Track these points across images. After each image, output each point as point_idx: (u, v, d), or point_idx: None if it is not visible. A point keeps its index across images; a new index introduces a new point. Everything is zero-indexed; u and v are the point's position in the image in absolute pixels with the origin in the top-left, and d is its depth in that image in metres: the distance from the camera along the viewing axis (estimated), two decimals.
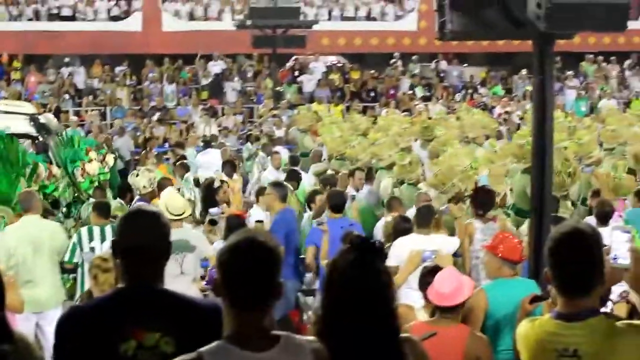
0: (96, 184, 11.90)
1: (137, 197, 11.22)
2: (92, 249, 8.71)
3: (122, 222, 3.65)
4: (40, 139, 13.48)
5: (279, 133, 22.38)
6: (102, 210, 9.30)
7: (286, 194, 10.19)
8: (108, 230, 8.88)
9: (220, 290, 3.11)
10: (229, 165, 15.14)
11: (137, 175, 11.29)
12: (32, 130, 13.83)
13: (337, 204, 9.75)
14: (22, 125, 13.95)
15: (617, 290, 6.14)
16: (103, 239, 8.82)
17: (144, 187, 11.01)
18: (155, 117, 25.19)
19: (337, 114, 22.45)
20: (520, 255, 6.66)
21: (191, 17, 31.85)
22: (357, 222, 10.30)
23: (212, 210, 10.01)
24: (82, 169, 11.76)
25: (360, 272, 3.22)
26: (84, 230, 9.12)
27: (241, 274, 3.07)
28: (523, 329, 3.66)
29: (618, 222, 9.28)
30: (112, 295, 3.58)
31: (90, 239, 8.91)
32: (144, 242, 3.51)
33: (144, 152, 18.80)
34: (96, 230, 8.98)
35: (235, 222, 9.15)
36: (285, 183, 11.02)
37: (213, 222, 9.76)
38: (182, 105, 27.42)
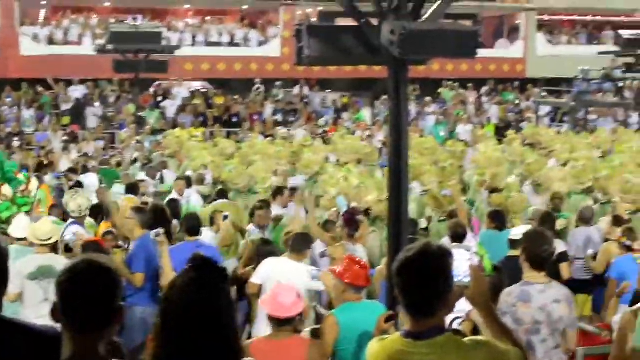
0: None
1: (70, 220, 10.99)
2: None
3: None
4: None
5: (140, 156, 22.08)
6: None
7: (147, 220, 10.07)
8: None
9: (57, 313, 3.06)
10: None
11: (71, 198, 11.09)
12: None
13: (192, 227, 9.68)
14: None
15: (464, 308, 6.33)
16: None
17: (72, 211, 10.83)
18: (15, 143, 24.52)
19: (199, 139, 22.28)
20: (364, 281, 6.74)
21: (50, 41, 31.18)
22: (211, 245, 10.23)
23: (67, 237, 9.78)
24: None
25: (199, 291, 3.18)
26: None
27: (75, 297, 3.04)
28: (374, 347, 3.72)
29: (472, 243, 9.57)
30: None
31: None
32: None
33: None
34: None
35: (92, 249, 8.98)
36: (146, 208, 10.87)
37: (68, 249, 9.54)
38: (41, 131, 26.76)
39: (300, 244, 8.61)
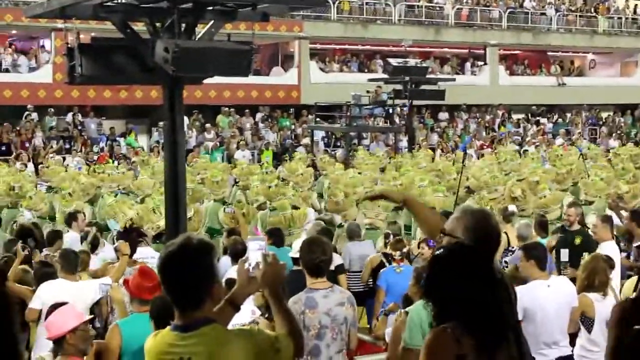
0: None
1: None
2: None
3: None
4: None
5: None
6: None
7: None
8: None
9: None
10: None
11: None
12: None
13: None
14: None
15: (241, 319, 6.41)
16: None
17: None
18: None
19: None
20: (148, 294, 6.71)
21: None
22: None
23: None
24: None
25: None
26: None
27: None
28: (147, 343, 3.77)
29: None
30: None
31: None
32: None
33: None
34: None
35: None
36: None
37: None
38: None
39: (71, 263, 8.46)
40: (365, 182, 17.09)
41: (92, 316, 6.19)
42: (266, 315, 6.82)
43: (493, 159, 22.52)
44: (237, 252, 9.97)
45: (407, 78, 28.00)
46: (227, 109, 33.46)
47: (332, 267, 9.66)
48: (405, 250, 10.03)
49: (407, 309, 6.25)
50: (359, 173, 18.71)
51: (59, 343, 5.89)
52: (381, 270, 10.15)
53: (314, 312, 6.26)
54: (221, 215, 13.27)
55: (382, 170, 20.78)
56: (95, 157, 26.90)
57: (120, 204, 13.09)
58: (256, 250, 3.82)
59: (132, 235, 10.45)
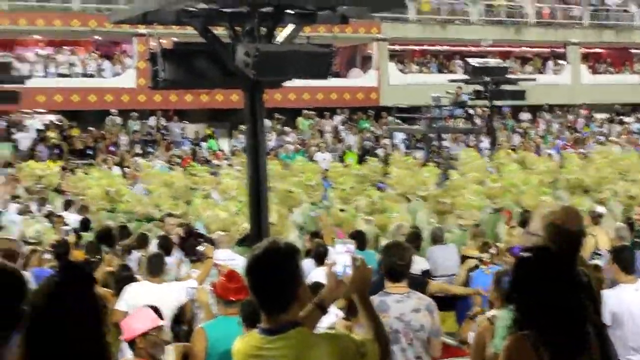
0: None
1: None
2: None
3: None
4: None
5: None
6: None
7: None
8: None
9: None
10: None
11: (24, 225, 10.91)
12: None
13: (58, 253, 9.52)
14: None
15: (325, 321, 6.42)
16: None
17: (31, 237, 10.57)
18: None
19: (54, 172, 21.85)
20: (234, 295, 6.77)
21: None
22: None
23: None
24: None
25: (64, 293, 3.14)
26: None
27: None
28: (235, 346, 3.82)
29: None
30: None
31: None
32: None
33: None
34: None
35: None
36: None
37: None
38: None
39: (157, 266, 8.56)
40: (468, 184, 16.68)
41: (163, 322, 6.23)
42: (346, 317, 6.81)
43: (599, 158, 21.72)
44: (320, 255, 10.04)
45: (487, 78, 27.71)
46: (306, 111, 33.59)
47: (419, 272, 9.65)
48: (493, 251, 9.95)
49: (490, 315, 6.19)
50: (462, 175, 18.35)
51: (131, 345, 5.97)
52: (471, 273, 10.09)
53: (385, 316, 6.22)
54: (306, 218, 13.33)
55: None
56: (178, 160, 27.25)
57: (210, 206, 13.27)
58: (343, 253, 3.81)
59: (190, 239, 10.59)
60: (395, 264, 6.34)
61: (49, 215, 15.48)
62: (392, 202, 14.77)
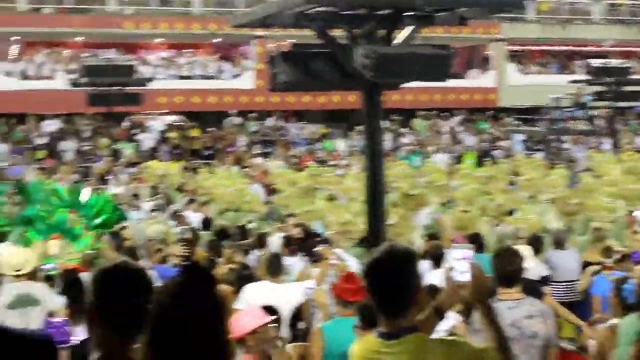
0: None
1: None
2: None
3: None
4: None
5: (117, 191, 22.13)
6: None
7: (119, 244, 10.27)
8: None
9: (95, 313, 3.08)
10: None
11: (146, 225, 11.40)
12: None
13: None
14: None
15: (447, 325, 6.39)
16: None
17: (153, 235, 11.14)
18: None
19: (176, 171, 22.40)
20: (352, 296, 6.79)
21: (24, 76, 31.13)
22: None
23: (46, 266, 9.76)
24: None
25: (185, 293, 3.21)
26: None
27: (123, 294, 3.09)
28: (353, 349, 3.82)
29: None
30: None
31: None
32: None
33: None
34: None
35: (71, 277, 8.95)
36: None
37: (49, 278, 9.51)
38: (15, 165, 26.68)
39: (276, 266, 8.65)
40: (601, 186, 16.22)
41: (273, 317, 6.29)
42: (465, 320, 6.74)
43: None
44: (437, 257, 9.97)
45: (609, 79, 27.07)
46: (424, 112, 33.45)
47: (537, 278, 9.49)
48: (617, 256, 9.72)
49: (612, 324, 6.05)
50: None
51: (241, 343, 6.04)
52: (593, 278, 9.87)
53: None
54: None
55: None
56: (296, 160, 27.53)
57: (334, 207, 13.38)
58: (460, 259, 3.78)
59: (309, 239, 10.64)
60: (506, 270, 6.24)
61: (173, 214, 15.86)
62: (519, 203, 14.49)
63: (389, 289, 3.63)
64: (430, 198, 14.92)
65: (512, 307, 6.18)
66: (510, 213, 13.60)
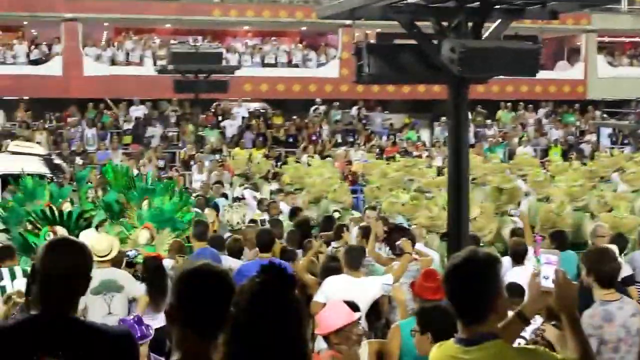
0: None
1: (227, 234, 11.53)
2: (3, 288, 8.64)
3: (46, 249, 3.56)
4: (54, 178, 13.57)
5: (200, 177, 22.41)
6: (4, 254, 9.39)
7: (202, 232, 10.39)
8: (17, 269, 8.88)
9: (177, 313, 3.10)
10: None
11: (230, 212, 11.55)
12: (45, 170, 13.87)
13: (264, 243, 9.63)
14: (36, 166, 14.05)
15: (529, 328, 6.28)
16: (13, 278, 8.80)
17: (237, 222, 11.38)
18: (78, 161, 25.12)
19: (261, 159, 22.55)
20: (432, 295, 6.72)
21: (112, 62, 31.68)
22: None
23: (129, 252, 9.90)
24: None
25: (265, 295, 3.21)
26: None
27: (199, 298, 3.10)
28: (432, 353, 3.80)
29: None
30: (22, 321, 3.53)
31: None
32: (64, 271, 3.48)
33: None
34: (5, 271, 8.94)
35: (153, 264, 9.08)
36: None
37: (130, 265, 9.65)
38: (103, 150, 27.20)
39: (356, 259, 8.61)
40: None
41: (359, 315, 6.27)
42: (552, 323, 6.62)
43: None
44: (519, 254, 9.84)
45: None
46: (509, 103, 33.02)
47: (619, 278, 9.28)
48: None
49: None
50: None
51: (326, 339, 6.04)
52: None
53: (612, 325, 6.02)
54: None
55: None
56: (377, 151, 27.47)
57: (418, 200, 13.31)
58: (546, 264, 3.71)
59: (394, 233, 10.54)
60: (607, 270, 6.13)
61: (260, 202, 15.93)
62: (621, 199, 14.04)
63: (468, 295, 3.59)
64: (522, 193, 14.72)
65: (620, 308, 6.09)
66: (610, 210, 13.25)
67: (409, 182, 16.94)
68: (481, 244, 11.33)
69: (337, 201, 15.17)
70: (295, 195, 16.66)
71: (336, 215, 13.78)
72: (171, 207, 11.31)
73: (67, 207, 11.32)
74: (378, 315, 8.77)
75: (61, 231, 10.49)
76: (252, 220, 12.94)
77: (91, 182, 15.36)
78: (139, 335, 6.77)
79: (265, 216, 14.22)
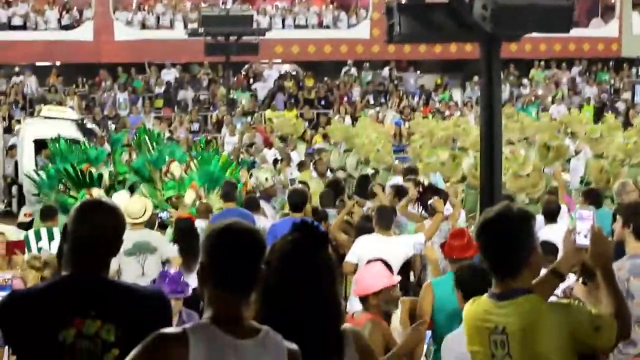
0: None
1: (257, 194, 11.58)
2: (40, 250, 8.74)
3: (77, 211, 3.56)
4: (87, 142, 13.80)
5: (232, 140, 22.45)
6: (47, 214, 9.51)
7: (228, 192, 10.41)
8: (55, 231, 8.99)
9: (208, 272, 3.08)
10: None
11: (260, 170, 11.57)
12: (79, 135, 14.06)
13: (296, 203, 9.61)
14: (69, 130, 14.23)
15: (560, 285, 6.25)
16: (51, 239, 8.92)
17: (266, 179, 11.45)
18: (111, 125, 25.29)
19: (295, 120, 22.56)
20: (461, 253, 6.71)
21: (143, 26, 31.69)
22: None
23: (162, 214, 9.99)
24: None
25: (296, 253, 3.22)
26: (30, 233, 9.19)
27: (236, 256, 3.03)
28: (467, 308, 3.80)
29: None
30: (55, 282, 3.56)
31: (38, 240, 8.97)
32: (95, 232, 3.49)
33: None
34: (43, 231, 9.05)
35: (185, 225, 9.14)
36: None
37: (163, 226, 9.74)
38: (135, 114, 27.32)
39: (386, 219, 8.61)
40: None
41: (399, 278, 6.26)
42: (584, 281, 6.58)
43: None
44: (552, 212, 9.78)
45: None
46: (542, 62, 32.69)
47: None
48: None
49: None
50: None
51: (363, 300, 6.03)
52: None
53: (639, 279, 5.97)
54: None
55: None
56: (409, 111, 27.36)
57: (460, 159, 13.28)
58: (583, 219, 3.68)
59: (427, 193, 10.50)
60: None
61: (300, 165, 15.78)
62: None
63: (500, 250, 3.58)
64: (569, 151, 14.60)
65: None
66: None
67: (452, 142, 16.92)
68: (526, 202, 11.29)
69: (381, 161, 15.13)
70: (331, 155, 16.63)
71: (370, 173, 13.76)
72: (218, 167, 11.35)
73: (103, 169, 11.43)
74: (409, 274, 8.78)
75: (97, 193, 10.58)
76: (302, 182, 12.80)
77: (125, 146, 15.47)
78: (179, 290, 6.85)
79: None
